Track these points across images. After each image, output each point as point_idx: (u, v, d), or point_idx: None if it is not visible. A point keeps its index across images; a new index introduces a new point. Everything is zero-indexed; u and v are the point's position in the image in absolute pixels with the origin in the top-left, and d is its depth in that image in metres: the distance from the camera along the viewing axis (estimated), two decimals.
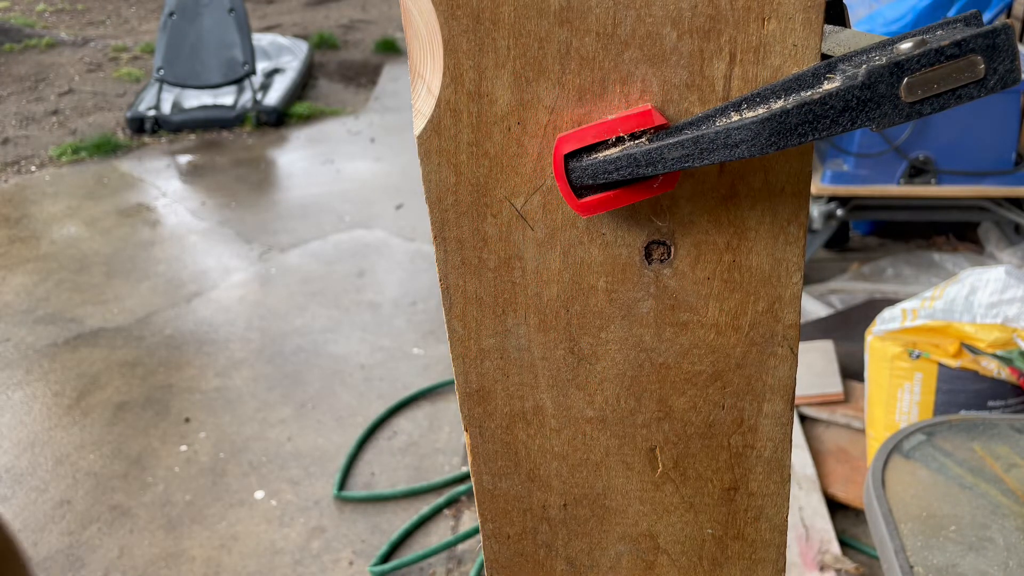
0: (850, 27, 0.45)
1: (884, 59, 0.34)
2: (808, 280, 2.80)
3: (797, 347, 0.47)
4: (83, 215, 3.89)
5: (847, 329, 2.39)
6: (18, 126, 5.09)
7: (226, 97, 4.99)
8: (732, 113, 0.37)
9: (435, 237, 0.46)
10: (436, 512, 2.12)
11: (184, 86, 4.88)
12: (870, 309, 2.41)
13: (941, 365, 1.74)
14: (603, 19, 0.39)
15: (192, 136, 4.85)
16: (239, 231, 3.70)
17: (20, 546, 0.36)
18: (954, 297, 1.80)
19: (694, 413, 0.49)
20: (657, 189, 0.40)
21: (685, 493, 0.51)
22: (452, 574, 1.96)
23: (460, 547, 2.02)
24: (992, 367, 1.70)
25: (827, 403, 2.15)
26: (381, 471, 2.28)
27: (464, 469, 2.25)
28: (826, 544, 1.80)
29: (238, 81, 4.89)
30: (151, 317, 3.05)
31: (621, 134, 0.39)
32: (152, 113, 4.86)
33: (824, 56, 0.39)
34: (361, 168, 4.28)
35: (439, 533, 2.07)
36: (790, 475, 0.51)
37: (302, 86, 5.39)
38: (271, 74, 5.31)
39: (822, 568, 1.74)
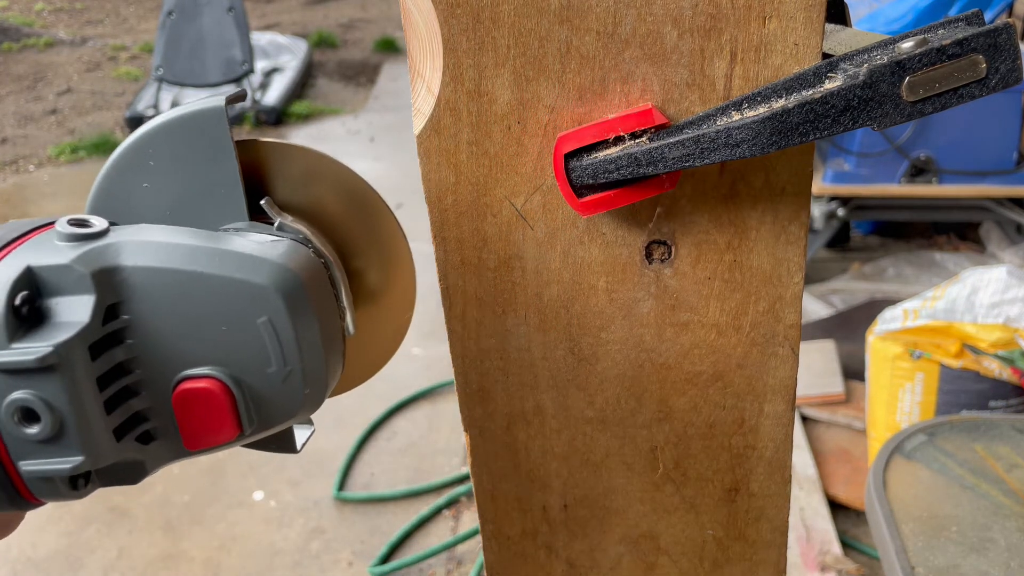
0: (851, 26, 0.45)
1: (885, 58, 0.34)
2: (809, 280, 2.79)
3: (798, 347, 0.46)
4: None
5: (848, 329, 2.39)
6: (16, 125, 5.09)
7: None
8: (733, 112, 0.37)
9: (435, 237, 0.45)
10: (436, 513, 2.12)
11: (183, 85, 4.87)
12: (871, 309, 2.40)
13: (942, 365, 1.74)
14: (603, 18, 0.39)
15: None
16: None
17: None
18: (955, 297, 1.80)
19: (695, 414, 0.49)
20: (658, 188, 0.40)
21: (686, 494, 0.51)
22: (452, 575, 1.96)
23: (460, 548, 2.02)
24: (994, 367, 1.70)
25: (828, 403, 2.15)
26: (381, 472, 2.28)
27: (464, 469, 2.25)
28: (827, 545, 1.79)
29: (237, 80, 4.88)
30: None
31: (621, 133, 0.39)
32: (151, 112, 4.85)
33: (825, 55, 0.39)
34: (360, 167, 4.26)
35: (439, 534, 2.07)
36: (791, 476, 0.50)
37: (301, 85, 5.39)
38: (270, 73, 5.31)
39: (823, 569, 1.74)
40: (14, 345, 0.28)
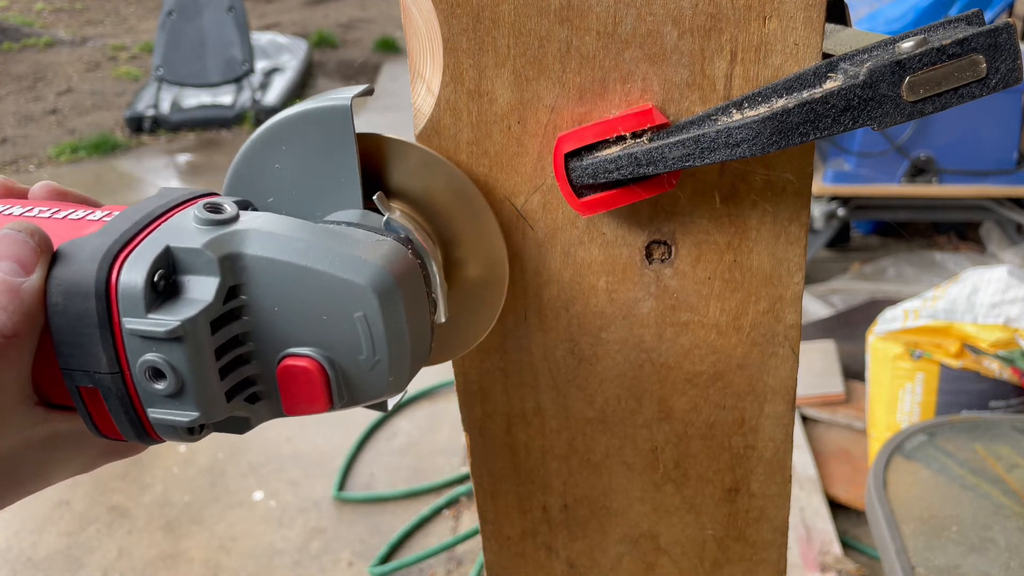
0: (851, 26, 0.45)
1: (886, 58, 0.34)
2: (809, 280, 2.79)
3: (798, 347, 0.46)
4: None
5: (848, 329, 2.39)
6: (16, 125, 5.09)
7: (225, 96, 4.98)
8: (733, 112, 0.37)
9: None
10: (436, 513, 2.12)
11: (183, 85, 4.87)
12: (871, 309, 2.40)
13: (943, 365, 1.74)
14: (603, 17, 0.39)
15: (191, 135, 4.85)
16: None
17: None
18: (956, 297, 1.80)
19: (695, 414, 0.48)
20: (658, 188, 0.40)
21: (686, 494, 0.51)
22: (452, 575, 1.96)
23: (460, 548, 2.02)
24: (994, 367, 1.70)
25: (828, 403, 2.15)
26: (380, 472, 2.27)
27: (464, 469, 2.25)
28: (827, 545, 1.79)
29: (237, 80, 4.88)
30: None
31: (622, 133, 0.39)
32: (151, 112, 4.86)
33: (825, 55, 0.39)
34: None
35: (439, 534, 2.07)
36: (791, 476, 0.50)
37: (301, 85, 5.39)
38: (270, 73, 5.31)
39: (823, 569, 1.74)
40: (150, 315, 0.33)
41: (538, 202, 0.44)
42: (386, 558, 1.99)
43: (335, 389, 0.36)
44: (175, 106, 4.94)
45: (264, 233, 0.35)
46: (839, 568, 1.74)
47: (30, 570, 2.01)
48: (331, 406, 0.36)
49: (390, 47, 6.26)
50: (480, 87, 0.41)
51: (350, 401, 0.37)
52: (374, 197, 0.40)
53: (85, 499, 2.21)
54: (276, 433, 2.41)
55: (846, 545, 1.83)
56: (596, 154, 0.40)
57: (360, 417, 2.45)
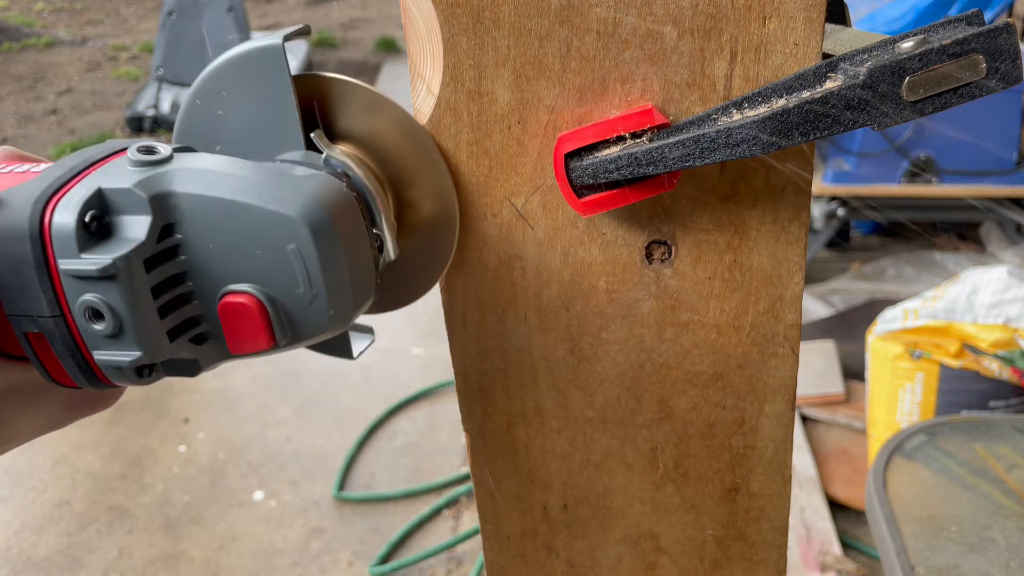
0: (851, 26, 0.45)
1: (886, 58, 0.34)
2: (809, 280, 2.79)
3: (798, 347, 0.46)
4: None
5: (848, 329, 2.39)
6: (17, 125, 5.09)
7: None
8: (733, 112, 0.37)
9: None
10: (436, 513, 2.12)
11: (183, 85, 4.87)
12: (871, 309, 2.40)
13: (942, 365, 1.74)
14: (604, 18, 0.39)
15: None
16: None
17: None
18: (955, 297, 1.80)
19: (695, 414, 0.49)
20: (658, 188, 0.40)
21: (686, 494, 0.51)
22: (452, 575, 1.96)
23: (460, 548, 2.02)
24: (994, 367, 1.70)
25: (828, 403, 2.15)
26: (381, 471, 2.27)
27: (464, 469, 2.25)
28: (827, 545, 1.79)
29: None
30: None
31: (622, 133, 0.39)
32: (151, 112, 4.86)
33: (825, 55, 0.39)
34: None
35: (439, 534, 2.07)
36: (791, 476, 0.50)
37: None
38: None
39: (823, 569, 1.74)
40: (83, 255, 0.33)
41: (538, 202, 0.44)
42: (386, 558, 1.99)
43: (276, 325, 0.36)
44: (175, 106, 4.93)
45: (196, 171, 0.35)
46: (839, 568, 1.74)
47: (30, 570, 2.01)
48: (274, 343, 0.36)
49: (390, 47, 6.26)
50: (480, 87, 0.41)
51: (294, 339, 0.37)
52: (312, 135, 0.40)
53: (85, 499, 2.21)
54: (276, 433, 2.41)
55: (846, 545, 1.83)
56: (596, 154, 0.40)
57: (360, 417, 2.45)
